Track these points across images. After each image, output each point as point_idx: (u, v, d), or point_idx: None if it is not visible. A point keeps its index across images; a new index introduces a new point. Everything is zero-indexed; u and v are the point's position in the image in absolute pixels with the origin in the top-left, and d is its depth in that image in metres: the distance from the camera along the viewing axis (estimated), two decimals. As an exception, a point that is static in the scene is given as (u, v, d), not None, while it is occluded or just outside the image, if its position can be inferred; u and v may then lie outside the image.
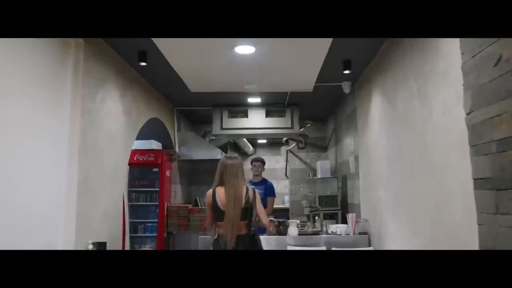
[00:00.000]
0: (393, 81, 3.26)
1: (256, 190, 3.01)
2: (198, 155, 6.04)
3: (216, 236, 2.87)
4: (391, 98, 3.32)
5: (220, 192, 2.86)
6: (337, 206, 5.17)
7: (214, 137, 6.27)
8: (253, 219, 2.87)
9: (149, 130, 5.51)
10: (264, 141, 8.61)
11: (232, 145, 7.78)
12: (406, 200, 3.00)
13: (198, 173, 7.18)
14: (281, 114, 5.76)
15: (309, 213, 6.47)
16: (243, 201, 2.81)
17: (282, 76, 4.24)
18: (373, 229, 3.97)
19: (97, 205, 3.26)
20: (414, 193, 2.84)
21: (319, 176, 5.58)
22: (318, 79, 4.24)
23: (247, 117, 5.74)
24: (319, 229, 5.04)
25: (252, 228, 2.88)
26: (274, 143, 8.58)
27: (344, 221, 5.07)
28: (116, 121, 3.68)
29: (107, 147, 3.48)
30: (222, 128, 5.76)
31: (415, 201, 2.82)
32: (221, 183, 2.88)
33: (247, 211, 2.83)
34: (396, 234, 3.22)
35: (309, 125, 6.20)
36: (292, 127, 5.73)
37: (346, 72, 4.00)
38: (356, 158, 4.65)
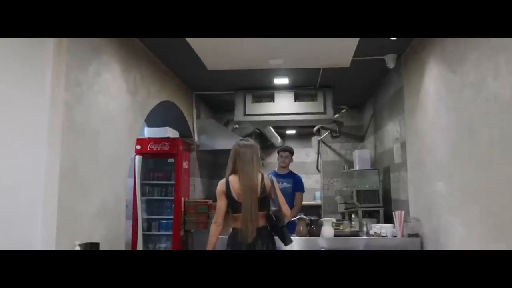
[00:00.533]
0: (458, 41, 2.51)
1: (274, 179, 2.71)
2: (219, 145, 5.43)
3: (230, 231, 2.65)
4: (457, 63, 2.57)
5: (234, 181, 2.59)
6: (378, 203, 4.43)
7: (237, 125, 5.65)
8: (271, 210, 2.60)
9: (164, 116, 4.97)
10: (293, 131, 7.91)
11: (258, 136, 7.13)
12: (481, 195, 2.26)
13: (220, 166, 6.55)
14: (312, 97, 5.07)
15: (344, 211, 5.76)
16: (259, 190, 2.54)
17: (313, 49, 3.54)
18: (427, 230, 3.22)
19: (88, 199, 2.70)
20: (494, 186, 2.10)
21: (356, 167, 4.84)
22: (357, 52, 3.51)
23: (273, 101, 5.08)
24: (358, 229, 4.35)
25: (274, 218, 2.59)
26: (304, 134, 7.87)
27: (388, 220, 4.33)
28: (116, 100, 3.11)
29: (104, 130, 2.91)
30: (245, 114, 5.12)
31: (496, 196, 2.08)
32: (234, 172, 2.63)
33: (264, 201, 2.57)
34: (467, 239, 2.47)
35: (344, 110, 5.46)
36: (324, 112, 5.02)
37: (392, 39, 3.27)
38: (403, 146, 3.90)
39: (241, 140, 2.74)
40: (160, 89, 4.09)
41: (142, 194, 4.82)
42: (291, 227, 4.02)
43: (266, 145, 8.11)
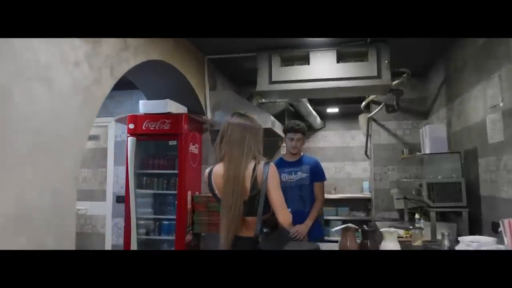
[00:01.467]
0: None
1: (273, 169, 1.88)
2: (240, 124, 4.22)
3: None
4: None
5: (218, 172, 1.94)
6: (461, 201, 3.05)
7: (262, 99, 4.41)
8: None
9: (165, 87, 3.85)
10: (335, 110, 6.53)
11: (292, 114, 5.85)
12: None
13: (246, 151, 5.41)
14: (361, 57, 3.73)
15: (403, 208, 4.43)
16: (248, 184, 1.84)
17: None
18: None
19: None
20: None
21: (427, 150, 3.46)
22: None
23: (307, 63, 3.79)
24: (430, 238, 3.09)
25: (264, 230, 1.84)
26: (349, 112, 6.48)
27: (475, 227, 2.99)
28: (54, 45, 1.98)
29: (22, 89, 1.79)
30: (271, 82, 3.88)
31: None
32: (221, 158, 1.96)
33: (254, 200, 1.84)
34: None
35: (405, 75, 4.05)
36: (378, 76, 3.66)
37: None
38: (506, 115, 2.52)
39: (233, 114, 2.03)
40: (148, 43, 2.93)
41: (138, 187, 3.75)
42: (316, 233, 3.06)
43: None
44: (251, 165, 1.86)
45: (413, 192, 3.57)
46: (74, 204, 2.14)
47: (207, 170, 2.00)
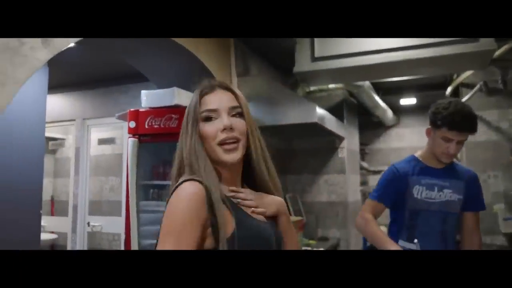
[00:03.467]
0: None
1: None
2: (279, 118, 3.21)
3: None
4: None
5: None
6: None
7: (307, 85, 3.35)
8: None
9: (176, 75, 3.03)
10: (412, 100, 5.19)
11: (354, 108, 4.68)
12: None
13: (294, 153, 4.36)
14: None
15: (515, 233, 3.10)
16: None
17: None
18: None
19: None
20: None
21: None
22: None
23: (365, 28, 2.69)
24: None
25: None
26: (430, 104, 5.09)
27: None
28: None
29: None
30: (314, 59, 2.83)
31: None
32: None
33: None
34: None
35: (516, 37, 2.74)
36: (475, 39, 2.43)
37: None
38: None
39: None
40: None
41: (145, 200, 2.93)
42: None
43: (370, 124, 5.56)
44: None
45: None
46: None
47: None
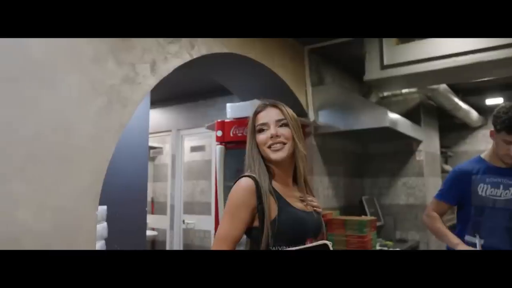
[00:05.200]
0: None
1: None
2: (352, 123, 3.40)
3: None
4: None
5: None
6: None
7: (381, 91, 3.49)
8: None
9: (255, 88, 3.37)
10: (499, 100, 4.96)
11: (433, 110, 4.63)
12: None
13: (370, 157, 4.47)
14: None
15: None
16: None
17: None
18: None
19: None
20: None
21: None
22: None
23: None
24: None
25: None
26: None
27: None
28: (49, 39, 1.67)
29: (11, 90, 1.50)
30: (383, 67, 2.98)
31: None
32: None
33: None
34: None
35: None
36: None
37: None
38: None
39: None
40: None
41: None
42: None
43: (453, 126, 5.40)
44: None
45: None
46: (93, 226, 1.77)
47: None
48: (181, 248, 4.78)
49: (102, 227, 2.34)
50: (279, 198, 1.23)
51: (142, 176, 3.58)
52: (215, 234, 3.50)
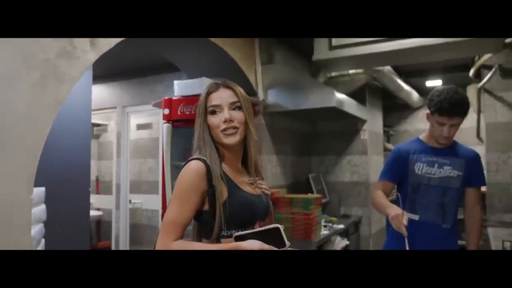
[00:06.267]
0: None
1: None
2: (300, 103, 3.44)
3: None
4: None
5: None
6: None
7: (328, 71, 3.55)
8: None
9: (204, 65, 3.30)
10: (438, 82, 5.25)
11: (378, 90, 4.81)
12: None
13: (316, 135, 4.57)
14: None
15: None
16: None
17: None
18: None
19: None
20: None
21: None
22: None
23: (380, 17, 2.83)
24: None
25: None
26: (456, 85, 5.13)
27: None
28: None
29: None
30: (331, 47, 3.02)
31: None
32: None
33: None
34: None
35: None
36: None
37: None
38: None
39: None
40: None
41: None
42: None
43: (396, 107, 5.65)
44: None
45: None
46: (28, 209, 1.67)
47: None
48: (128, 228, 4.68)
49: (39, 210, 2.21)
50: (228, 182, 1.21)
51: (85, 154, 3.42)
52: (162, 214, 3.42)
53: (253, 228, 1.22)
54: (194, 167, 1.18)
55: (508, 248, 2.42)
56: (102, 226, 5.13)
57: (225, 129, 1.22)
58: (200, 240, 1.22)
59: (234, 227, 1.18)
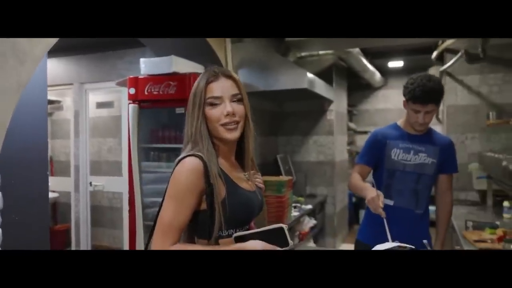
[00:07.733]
0: None
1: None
2: (271, 83, 3.38)
3: None
4: None
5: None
6: None
7: (299, 51, 3.50)
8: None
9: (172, 42, 3.14)
10: (399, 63, 5.36)
11: (343, 70, 4.84)
12: None
13: (286, 115, 4.56)
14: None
15: (485, 190, 3.42)
16: None
17: None
18: None
19: None
20: None
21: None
22: None
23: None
24: None
25: None
26: (417, 67, 5.25)
27: None
28: None
29: None
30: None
31: None
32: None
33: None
34: None
35: None
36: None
37: None
38: None
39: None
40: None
41: (145, 161, 3.13)
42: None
43: (359, 86, 5.74)
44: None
45: (501, 171, 2.56)
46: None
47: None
48: (89, 210, 4.48)
49: (-3, 199, 2.03)
50: (226, 179, 1.13)
51: (41, 135, 3.18)
52: (130, 198, 3.26)
53: (249, 227, 1.17)
54: (190, 164, 1.08)
55: (471, 228, 2.55)
56: (58, 208, 4.88)
57: (226, 123, 1.12)
58: (192, 242, 1.15)
59: (233, 227, 1.12)
